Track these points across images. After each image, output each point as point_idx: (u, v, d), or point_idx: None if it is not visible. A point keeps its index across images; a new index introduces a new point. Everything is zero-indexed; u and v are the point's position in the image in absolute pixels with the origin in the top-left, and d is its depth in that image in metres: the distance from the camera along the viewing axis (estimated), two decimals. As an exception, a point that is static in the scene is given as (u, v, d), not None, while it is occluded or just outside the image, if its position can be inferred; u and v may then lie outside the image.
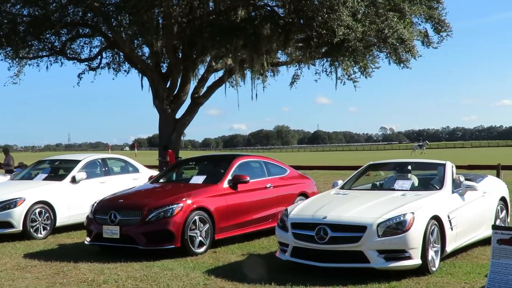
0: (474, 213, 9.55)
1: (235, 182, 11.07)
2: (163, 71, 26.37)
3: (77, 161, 13.77)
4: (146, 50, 27.46)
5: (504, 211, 10.75)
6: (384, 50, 25.00)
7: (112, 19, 24.58)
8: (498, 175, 18.07)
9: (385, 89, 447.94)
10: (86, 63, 29.19)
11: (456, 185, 9.48)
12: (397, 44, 23.08)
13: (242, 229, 11.17)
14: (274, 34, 22.27)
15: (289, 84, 28.16)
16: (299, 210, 8.84)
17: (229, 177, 11.14)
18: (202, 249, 10.08)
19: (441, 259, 8.54)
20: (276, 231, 8.93)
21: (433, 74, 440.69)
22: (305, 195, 12.40)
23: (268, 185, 11.91)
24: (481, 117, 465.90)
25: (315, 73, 26.95)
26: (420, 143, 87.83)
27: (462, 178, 9.67)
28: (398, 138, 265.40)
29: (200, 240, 10.08)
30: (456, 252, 9.31)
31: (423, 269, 7.97)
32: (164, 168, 20.44)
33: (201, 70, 27.03)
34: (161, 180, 12.37)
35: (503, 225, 10.44)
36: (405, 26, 22.46)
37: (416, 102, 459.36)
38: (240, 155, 12.33)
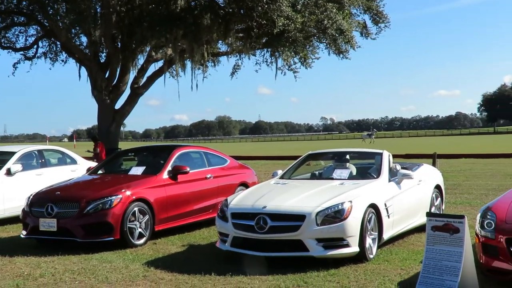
0: (410, 201, 9.76)
1: (175, 173, 11.01)
2: (101, 61, 25.95)
3: (12, 153, 13.41)
4: (84, 39, 26.97)
5: (439, 199, 11.03)
6: (324, 41, 25.23)
7: (49, 8, 23.98)
8: (434, 164, 18.52)
9: (325, 80, 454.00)
10: (22, 52, 28.48)
11: (392, 173, 9.66)
12: (337, 35, 23.33)
13: (182, 220, 11.12)
14: (214, 24, 22.18)
15: (230, 75, 28.12)
16: (239, 200, 8.86)
17: (168, 167, 11.07)
18: (141, 241, 10.00)
19: (378, 246, 8.70)
20: (216, 221, 8.93)
21: (372, 65, 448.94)
22: (246, 185, 12.45)
23: (208, 176, 11.89)
24: (419, 107, 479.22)
25: (256, 64, 27.01)
26: (370, 132, 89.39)
27: (398, 167, 9.86)
28: (338, 128, 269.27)
29: (140, 232, 9.99)
30: (393, 239, 9.50)
31: (361, 257, 8.10)
32: (95, 160, 20.08)
33: (141, 60, 26.73)
34: (100, 172, 12.18)
35: (438, 212, 10.71)
36: (344, 17, 22.72)
37: (356, 93, 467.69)
38: (180, 145, 12.27)
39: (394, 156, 10.49)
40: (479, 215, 7.13)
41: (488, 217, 6.90)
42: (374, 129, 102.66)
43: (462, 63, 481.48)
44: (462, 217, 6.55)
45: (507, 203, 7.21)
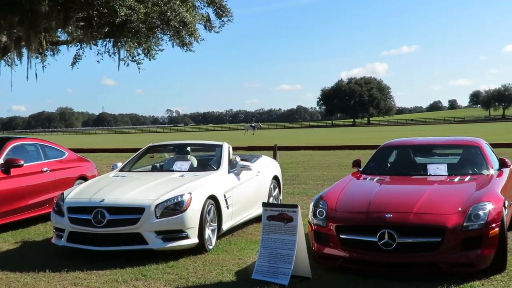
0: (249, 192, 9.99)
1: (8, 166, 10.48)
2: None
3: None
4: None
5: (277, 189, 11.40)
6: (168, 33, 25.00)
7: None
8: (274, 156, 19.11)
9: (171, 72, 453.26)
10: None
11: (232, 165, 9.83)
12: (180, 27, 23.18)
13: (16, 216, 10.61)
14: (53, 11, 21.20)
15: (70, 65, 27.11)
16: (75, 193, 8.60)
17: (0, 161, 10.51)
18: (-30, 239, 9.43)
19: (218, 237, 8.84)
20: (52, 216, 8.62)
21: (217, 58, 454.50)
22: (85, 179, 12.11)
23: (44, 169, 11.44)
24: (262, 101, 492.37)
25: (98, 54, 26.23)
26: (253, 124, 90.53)
27: (238, 159, 10.05)
28: (183, 121, 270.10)
29: (-32, 229, 9.42)
30: (232, 230, 9.69)
31: (200, 248, 8.17)
32: None
33: (-27, 47, 25.05)
34: None
35: (276, 202, 11.05)
36: (187, 10, 22.65)
37: (201, 86, 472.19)
38: (13, 137, 11.67)
39: (237, 148, 10.70)
40: (312, 204, 7.45)
41: (320, 206, 7.23)
42: (259, 123, 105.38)
43: (303, 59, 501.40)
44: (295, 206, 6.80)
45: (337, 192, 7.59)
